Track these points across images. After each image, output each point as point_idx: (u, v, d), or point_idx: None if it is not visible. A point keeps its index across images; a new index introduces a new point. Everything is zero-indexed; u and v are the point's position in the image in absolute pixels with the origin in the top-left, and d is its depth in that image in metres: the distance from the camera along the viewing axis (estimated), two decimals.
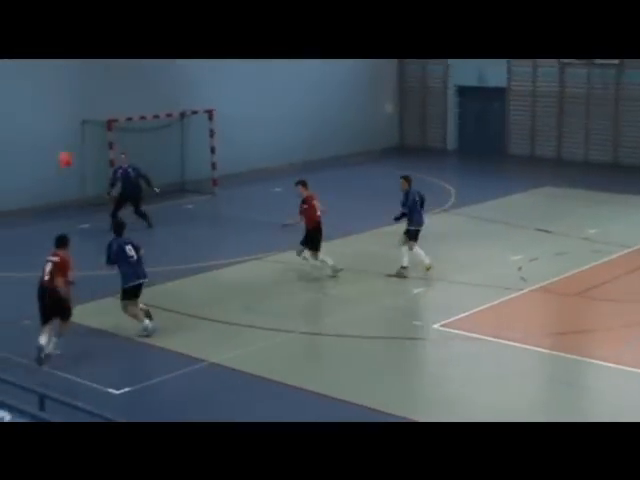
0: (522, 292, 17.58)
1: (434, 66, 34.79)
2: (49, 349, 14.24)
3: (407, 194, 19.15)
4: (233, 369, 14.07)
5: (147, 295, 17.61)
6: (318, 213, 18.83)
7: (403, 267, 18.65)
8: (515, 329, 15.57)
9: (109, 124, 25.49)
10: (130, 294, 15.66)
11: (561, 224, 22.85)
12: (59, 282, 14.33)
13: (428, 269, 18.71)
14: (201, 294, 18.19)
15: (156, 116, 26.69)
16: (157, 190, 23.50)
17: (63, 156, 16.55)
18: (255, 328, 15.87)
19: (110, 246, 15.87)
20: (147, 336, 15.47)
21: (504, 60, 32.55)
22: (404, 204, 19.13)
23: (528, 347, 14.87)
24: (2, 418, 5.76)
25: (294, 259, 19.67)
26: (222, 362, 14.31)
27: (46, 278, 14.40)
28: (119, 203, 23.11)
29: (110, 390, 13.28)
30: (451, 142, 35.64)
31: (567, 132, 32.61)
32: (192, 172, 27.74)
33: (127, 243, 15.96)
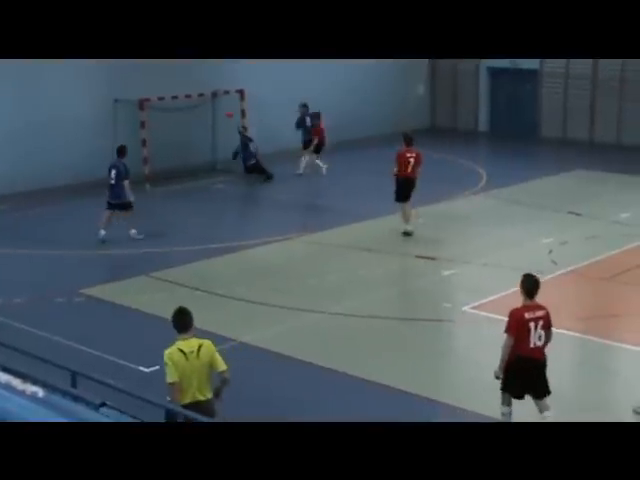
0: (553, 275, 17.51)
1: None
2: None
3: (301, 117, 27.80)
4: (262, 349, 14.13)
5: (178, 274, 17.75)
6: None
7: (323, 170, 26.71)
8: None
9: (141, 103, 25.58)
10: (107, 206, 19.95)
11: (592, 207, 22.73)
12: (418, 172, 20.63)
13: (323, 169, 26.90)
14: (231, 273, 18.27)
15: (188, 96, 26.74)
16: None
17: None
18: (285, 308, 15.93)
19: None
20: (102, 242, 19.62)
21: None
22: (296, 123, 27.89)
23: (558, 331, 14.76)
24: (36, 393, 5.81)
25: (324, 239, 19.72)
26: (251, 342, 14.38)
27: (409, 171, 20.51)
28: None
29: (140, 368, 13.38)
30: (482, 124, 35.49)
31: (600, 115, 32.37)
32: (223, 152, 27.78)
33: (113, 167, 19.99)
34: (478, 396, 12.40)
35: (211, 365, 9.85)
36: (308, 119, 28.12)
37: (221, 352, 14.09)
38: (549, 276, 17.48)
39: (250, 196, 25.41)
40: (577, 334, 14.74)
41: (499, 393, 11.39)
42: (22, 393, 5.82)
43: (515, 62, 33.03)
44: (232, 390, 12.79)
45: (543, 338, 11.07)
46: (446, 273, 17.94)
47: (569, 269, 17.84)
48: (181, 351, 9.75)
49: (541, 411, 11.14)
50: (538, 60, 32.99)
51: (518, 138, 32.81)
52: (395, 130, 33.25)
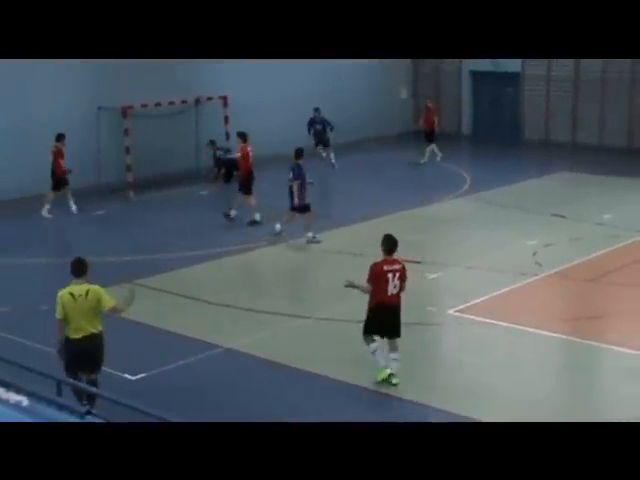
0: (537, 277, 17.57)
1: None
2: None
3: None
4: (249, 355, 14.12)
5: (163, 281, 17.71)
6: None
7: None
8: (530, 315, 15.57)
9: (124, 111, 25.54)
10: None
11: (576, 209, 22.81)
12: None
13: None
14: (216, 280, 18.24)
15: (171, 102, 26.72)
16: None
17: None
18: (271, 314, 15.92)
19: None
20: (276, 235, 20.36)
21: None
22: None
23: (543, 333, 14.87)
24: (20, 402, 5.81)
25: (308, 245, 19.73)
26: (238, 348, 14.37)
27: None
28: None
29: (126, 375, 13.34)
30: (465, 127, 35.59)
31: (581, 117, 32.49)
32: (207, 158, 27.76)
33: (290, 169, 20.45)
34: (463, 398, 12.42)
35: (99, 306, 11.41)
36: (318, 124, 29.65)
37: (209, 358, 14.17)
38: (533, 278, 17.54)
39: None
40: (561, 336, 14.78)
41: (485, 395, 11.43)
42: (6, 402, 5.81)
43: (498, 65, 33.12)
44: (218, 396, 12.81)
45: (398, 287, 12.94)
46: (431, 276, 17.95)
47: (553, 271, 17.89)
48: (71, 294, 11.31)
49: (391, 350, 12.99)
50: (520, 63, 33.12)
51: (501, 141, 32.90)
52: (379, 134, 33.40)
